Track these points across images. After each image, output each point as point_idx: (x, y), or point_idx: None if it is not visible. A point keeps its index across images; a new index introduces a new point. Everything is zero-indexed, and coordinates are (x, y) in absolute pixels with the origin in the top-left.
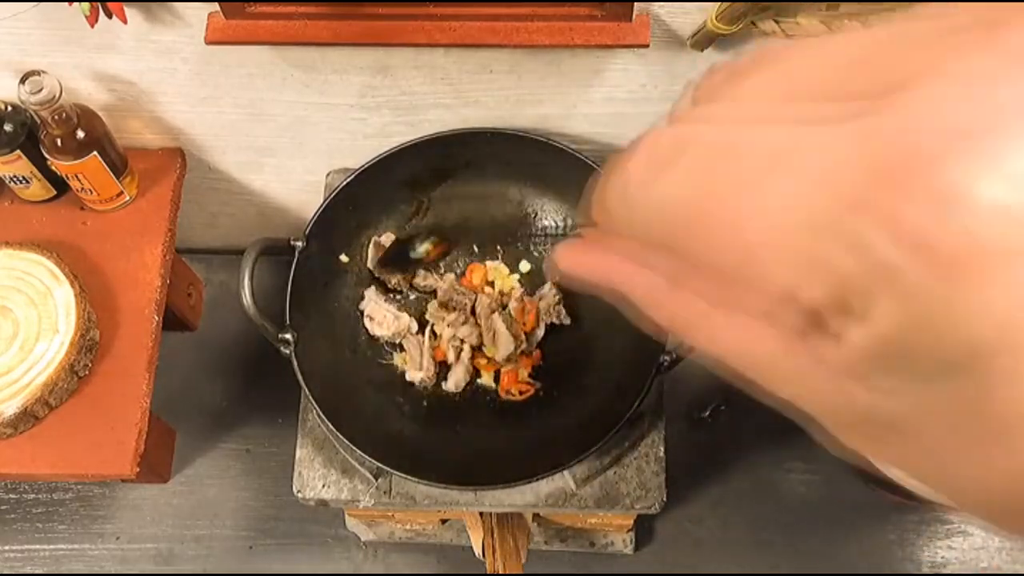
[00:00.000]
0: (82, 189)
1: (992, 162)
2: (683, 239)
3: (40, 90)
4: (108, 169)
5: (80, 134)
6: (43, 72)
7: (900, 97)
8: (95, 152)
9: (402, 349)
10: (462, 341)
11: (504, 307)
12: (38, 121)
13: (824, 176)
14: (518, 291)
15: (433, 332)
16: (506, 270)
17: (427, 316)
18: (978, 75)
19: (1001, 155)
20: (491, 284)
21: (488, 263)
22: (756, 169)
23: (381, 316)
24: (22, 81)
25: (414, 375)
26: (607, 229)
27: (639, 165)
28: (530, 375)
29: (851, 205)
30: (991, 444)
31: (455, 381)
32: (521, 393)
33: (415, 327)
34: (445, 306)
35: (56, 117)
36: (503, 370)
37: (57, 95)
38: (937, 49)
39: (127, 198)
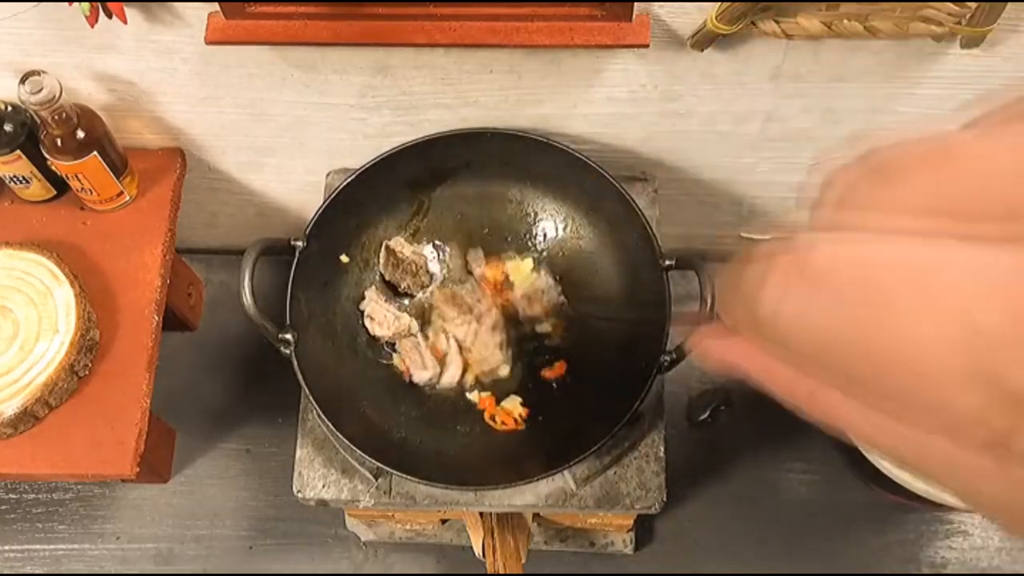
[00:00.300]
0: (82, 189)
1: None
2: (838, 362)
3: (40, 90)
4: (108, 169)
5: (80, 134)
6: (43, 72)
7: None
8: (95, 152)
9: (397, 351)
10: (456, 340)
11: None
12: (38, 121)
13: (988, 296)
14: (533, 284)
15: (425, 334)
16: (528, 266)
17: (426, 304)
18: None
19: None
20: (508, 280)
21: (508, 262)
22: (909, 293)
23: (381, 316)
24: (22, 81)
25: (421, 375)
26: (739, 332)
27: (776, 285)
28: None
29: None
30: None
31: (450, 378)
32: (515, 422)
33: (416, 327)
34: (451, 301)
35: (56, 117)
36: (492, 402)
37: (57, 95)
38: None
39: (127, 198)
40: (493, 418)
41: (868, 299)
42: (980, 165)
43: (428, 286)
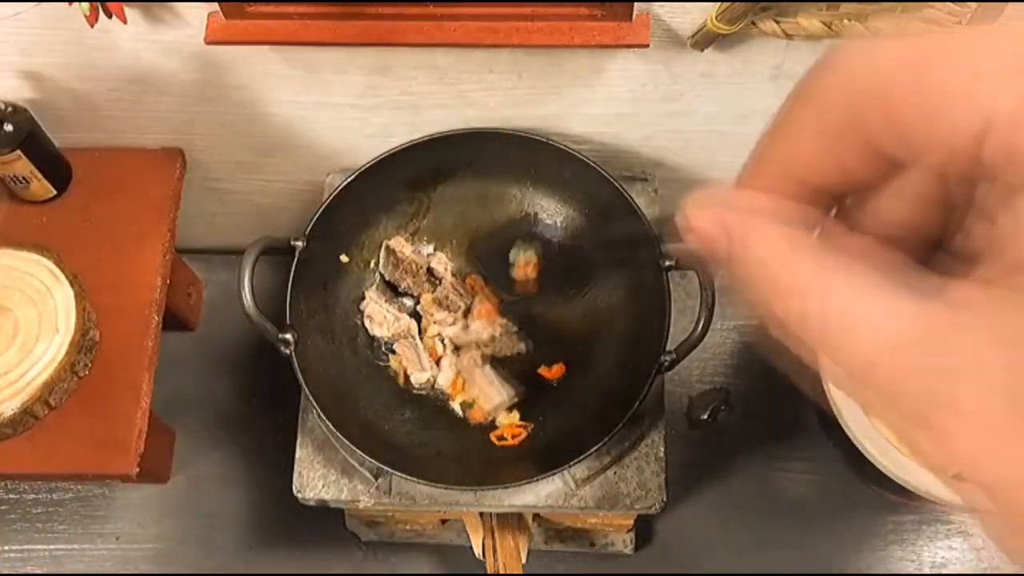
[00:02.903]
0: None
1: None
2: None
3: None
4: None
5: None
6: None
7: None
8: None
9: (395, 352)
10: (448, 340)
11: (492, 357)
12: None
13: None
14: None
15: (421, 336)
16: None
17: (419, 310)
18: None
19: None
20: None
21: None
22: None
23: (381, 317)
24: None
25: (419, 377)
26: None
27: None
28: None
29: None
30: None
31: (446, 379)
32: (514, 437)
33: (415, 328)
34: (439, 303)
35: None
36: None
37: None
38: None
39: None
40: (501, 437)
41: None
42: None
43: (428, 286)
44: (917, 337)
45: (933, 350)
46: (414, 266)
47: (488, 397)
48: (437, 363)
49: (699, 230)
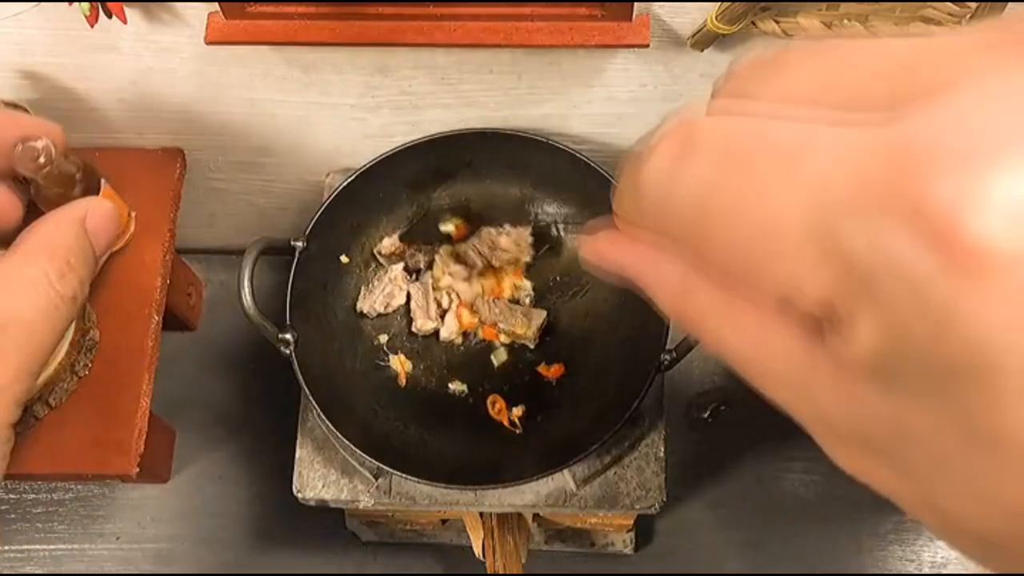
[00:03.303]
0: None
1: (1020, 166)
2: (696, 233)
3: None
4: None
5: (77, 191)
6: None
7: (930, 101)
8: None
9: (396, 352)
10: (456, 294)
11: (516, 301)
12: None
13: (842, 167)
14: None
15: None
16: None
17: (435, 258)
18: (1012, 89)
19: None
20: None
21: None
22: (772, 162)
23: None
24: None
25: (425, 324)
26: (628, 221)
27: (662, 155)
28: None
29: (870, 194)
30: (995, 470)
31: (448, 332)
32: (511, 422)
33: (429, 276)
34: (456, 257)
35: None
36: (499, 402)
37: (52, 157)
38: (967, 62)
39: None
40: (494, 404)
41: (736, 165)
42: (869, 56)
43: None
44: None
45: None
46: (414, 245)
47: (523, 323)
48: (442, 317)
49: (596, 259)
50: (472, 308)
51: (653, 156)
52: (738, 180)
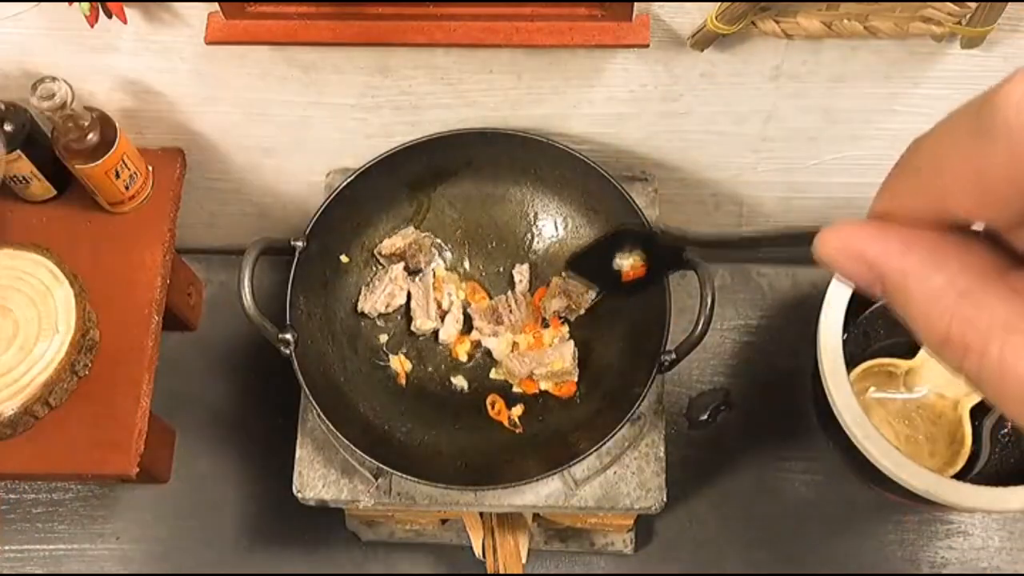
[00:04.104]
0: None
1: None
2: None
3: (52, 96)
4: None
5: (92, 138)
6: (55, 79)
7: None
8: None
9: (396, 352)
10: (458, 297)
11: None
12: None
13: None
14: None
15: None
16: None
17: (434, 269)
18: None
19: None
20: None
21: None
22: None
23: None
24: (33, 88)
25: (425, 324)
26: (912, 204)
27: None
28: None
29: None
30: None
31: (446, 335)
32: (510, 421)
33: (431, 277)
34: (487, 315)
35: (69, 123)
36: (499, 402)
37: (68, 101)
38: None
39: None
40: (493, 404)
41: None
42: None
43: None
44: None
45: None
46: (414, 246)
47: (559, 358)
48: (442, 318)
49: (843, 269)
50: (507, 370)
51: (1012, 87)
52: None
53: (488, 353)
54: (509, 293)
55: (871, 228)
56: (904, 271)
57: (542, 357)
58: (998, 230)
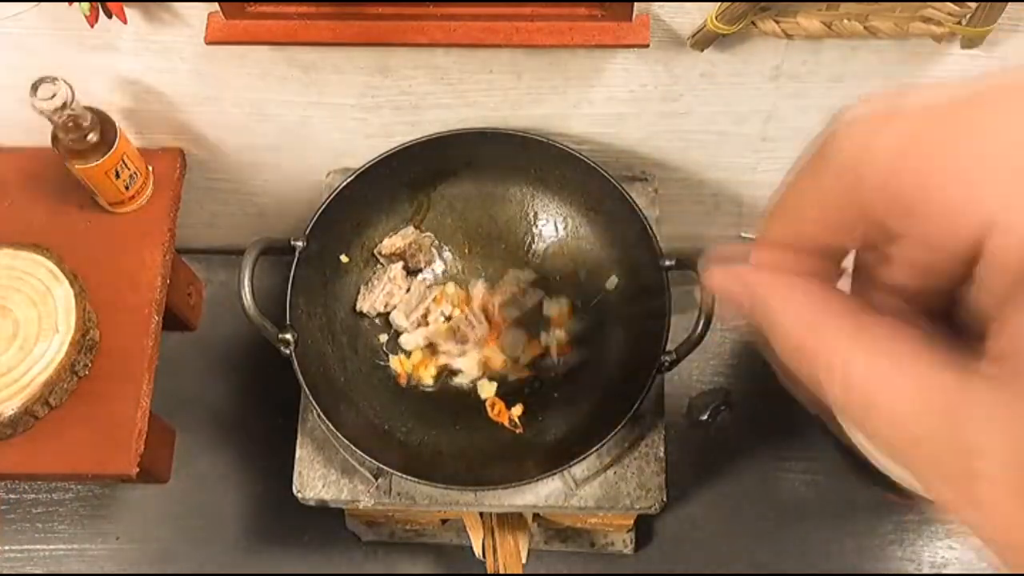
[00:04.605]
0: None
1: None
2: (892, 184)
3: (52, 96)
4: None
5: (92, 138)
6: (56, 79)
7: None
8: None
9: (396, 352)
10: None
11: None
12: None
13: None
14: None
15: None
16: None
17: (434, 341)
18: None
19: None
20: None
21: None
22: (981, 110)
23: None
24: (33, 88)
25: (400, 320)
26: (778, 231)
27: (864, 114)
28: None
29: None
30: None
31: (409, 344)
32: (510, 421)
33: (421, 290)
34: (452, 333)
35: (69, 123)
36: (498, 404)
37: (69, 101)
38: None
39: (142, 199)
40: (493, 406)
41: (944, 116)
42: None
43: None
44: (942, 409)
45: (957, 424)
46: (414, 246)
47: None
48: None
49: (718, 288)
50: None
51: (856, 116)
52: (949, 124)
53: (453, 374)
54: (467, 308)
55: (743, 270)
56: (768, 288)
57: (516, 338)
58: (867, 255)
